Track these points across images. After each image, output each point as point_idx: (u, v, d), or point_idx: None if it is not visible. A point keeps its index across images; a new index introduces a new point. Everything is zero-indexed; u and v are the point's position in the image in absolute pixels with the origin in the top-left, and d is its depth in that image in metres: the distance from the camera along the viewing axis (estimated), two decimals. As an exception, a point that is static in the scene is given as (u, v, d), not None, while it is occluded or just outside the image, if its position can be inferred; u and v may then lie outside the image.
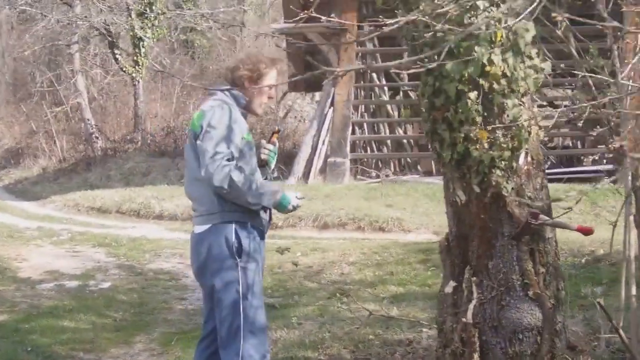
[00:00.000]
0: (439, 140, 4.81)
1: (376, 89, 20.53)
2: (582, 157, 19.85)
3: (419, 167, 20.59)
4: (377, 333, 7.00)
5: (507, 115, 4.69)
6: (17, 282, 10.52)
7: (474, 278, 4.93)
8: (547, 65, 4.80)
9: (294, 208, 5.08)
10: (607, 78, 4.57)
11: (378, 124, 20.53)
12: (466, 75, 4.61)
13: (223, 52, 31.14)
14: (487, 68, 4.59)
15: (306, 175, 19.19)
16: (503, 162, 4.71)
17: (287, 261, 10.76)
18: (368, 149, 20.58)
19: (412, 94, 22.83)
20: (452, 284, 5.05)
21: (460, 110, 4.67)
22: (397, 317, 7.23)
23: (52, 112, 30.31)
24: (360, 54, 20.21)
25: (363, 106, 20.57)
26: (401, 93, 20.68)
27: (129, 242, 13.73)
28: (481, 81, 4.61)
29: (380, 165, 20.17)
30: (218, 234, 4.90)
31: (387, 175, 19.36)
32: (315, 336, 7.11)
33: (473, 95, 4.62)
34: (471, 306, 4.88)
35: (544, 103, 14.14)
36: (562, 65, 6.49)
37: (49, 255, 12.56)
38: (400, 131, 20.52)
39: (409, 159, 20.55)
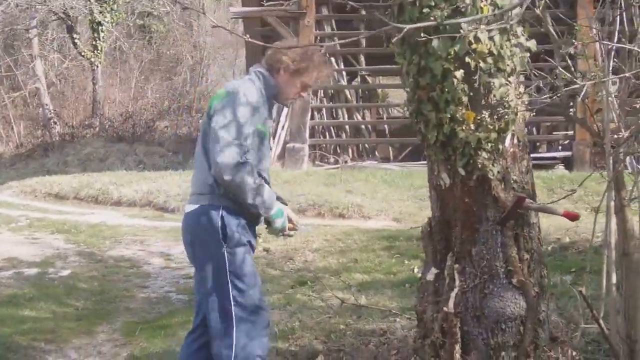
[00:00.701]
0: (424, 120, 4.53)
1: (335, 74, 20.27)
2: (537, 144, 19.80)
3: (376, 153, 20.46)
4: (348, 323, 6.72)
5: (494, 96, 4.43)
6: None
7: (457, 265, 4.67)
8: (532, 44, 4.54)
9: (282, 233, 4.95)
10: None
11: (337, 109, 20.35)
12: (452, 53, 4.33)
13: (180, 37, 30.69)
14: (474, 45, 4.32)
15: (265, 161, 18.80)
16: (489, 144, 4.45)
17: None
18: (327, 134, 20.38)
19: (369, 79, 22.65)
20: (433, 271, 4.78)
21: (446, 90, 4.39)
22: (368, 306, 6.96)
23: (9, 98, 29.64)
24: (318, 38, 19.91)
25: (322, 91, 20.31)
26: (359, 77, 20.46)
27: (88, 228, 13.38)
28: (467, 59, 4.33)
29: (339, 151, 20.01)
30: (204, 215, 4.63)
31: (345, 161, 19.18)
32: (284, 326, 6.86)
33: (459, 74, 4.35)
34: (453, 294, 4.62)
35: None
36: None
37: (7, 242, 12.18)
38: (358, 117, 20.38)
39: (367, 145, 20.41)
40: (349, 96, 20.38)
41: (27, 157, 27.06)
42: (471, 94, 4.39)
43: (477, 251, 4.60)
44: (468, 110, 4.39)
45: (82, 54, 28.11)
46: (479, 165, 4.47)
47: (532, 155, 17.15)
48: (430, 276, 4.78)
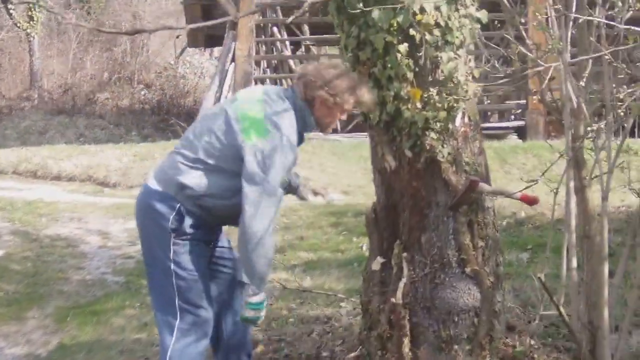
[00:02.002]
0: (366, 99, 4.16)
1: (277, 44, 19.89)
2: (488, 113, 19.57)
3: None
4: (291, 308, 6.38)
5: (442, 71, 4.08)
6: None
7: (405, 254, 4.34)
8: (483, 14, 4.20)
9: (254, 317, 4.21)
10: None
11: (281, 80, 19.97)
12: (395, 24, 3.96)
13: (119, 7, 29.98)
14: (419, 17, 3.96)
15: (208, 132, 18.46)
16: (438, 124, 4.11)
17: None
18: (271, 105, 19.97)
19: (313, 49, 22.28)
20: (379, 260, 4.45)
21: (389, 65, 4.03)
22: (312, 290, 6.62)
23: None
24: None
25: (265, 62, 19.92)
26: (303, 47, 20.10)
27: (24, 205, 12.82)
28: (412, 32, 3.97)
29: (285, 122, 19.62)
30: (161, 201, 4.10)
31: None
32: (221, 312, 6.44)
33: (403, 47, 4.00)
34: (401, 285, 4.30)
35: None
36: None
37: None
38: (302, 88, 19.98)
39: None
40: (293, 66, 20.03)
41: (-37, 131, 26.35)
42: (417, 69, 4.05)
43: (427, 239, 4.28)
44: (414, 88, 4.04)
45: (18, 24, 27.33)
46: (427, 147, 4.14)
47: (483, 125, 17.01)
48: (375, 265, 4.45)
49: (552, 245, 4.62)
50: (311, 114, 4.12)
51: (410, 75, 4.03)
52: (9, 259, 9.18)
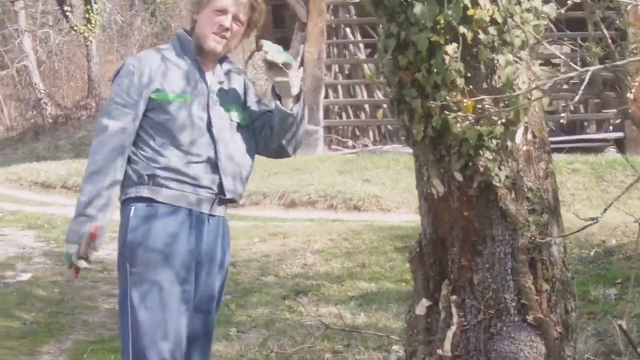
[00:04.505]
0: (408, 110, 3.80)
1: (351, 46, 19.57)
2: (585, 123, 18.94)
3: (400, 136, 19.76)
4: (335, 349, 6.12)
5: (499, 77, 3.67)
6: None
7: (454, 296, 3.93)
8: (551, 9, 3.78)
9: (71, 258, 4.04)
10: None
11: (354, 87, 19.66)
12: (442, 21, 3.57)
13: (185, 8, 30.03)
14: (471, 11, 3.56)
15: (274, 145, 18.24)
16: (494, 141, 3.70)
17: (243, 248, 9.94)
18: (343, 114, 19.70)
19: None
20: (424, 303, 4.06)
21: (435, 70, 3.64)
22: (362, 331, 6.27)
23: (-3, 76, 29.27)
24: (331, 7, 19.19)
25: (337, 66, 19.60)
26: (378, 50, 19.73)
27: (64, 223, 12.68)
28: (462, 29, 3.57)
29: (358, 134, 19.34)
30: (121, 215, 4.08)
31: (365, 145, 18.53)
32: (257, 354, 6.22)
33: (451, 48, 3.60)
34: (450, 334, 3.92)
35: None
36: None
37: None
38: (379, 95, 19.64)
39: (389, 126, 19.70)
40: (367, 71, 19.69)
41: (17, 141, 26.66)
42: (468, 75, 3.65)
43: (481, 279, 3.87)
44: (465, 97, 3.62)
45: (75, 28, 27.48)
46: (481, 169, 3.73)
47: (579, 137, 16.46)
48: (420, 309, 4.06)
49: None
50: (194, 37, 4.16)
51: (460, 81, 3.64)
52: (35, 283, 9.05)
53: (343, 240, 10.23)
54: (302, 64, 18.51)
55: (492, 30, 3.62)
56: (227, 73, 4.24)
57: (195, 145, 4.05)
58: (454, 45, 3.60)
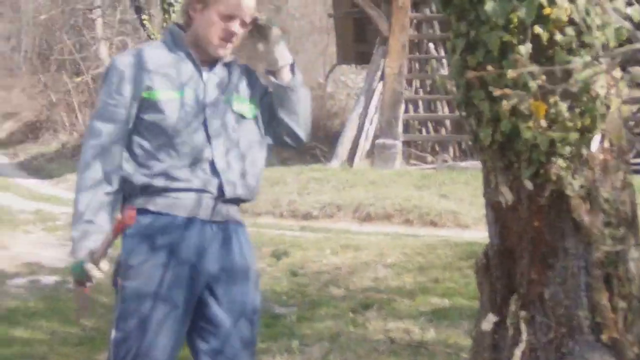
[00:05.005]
0: (475, 113, 3.61)
1: (433, 62, 19.41)
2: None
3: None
4: (402, 367, 5.88)
5: (576, 80, 3.46)
6: None
7: (523, 312, 3.71)
8: (635, 12, 3.56)
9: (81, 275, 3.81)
10: None
11: (435, 102, 19.49)
12: (515, 20, 3.39)
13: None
14: (547, 10, 3.37)
15: (351, 158, 18.28)
16: (567, 148, 3.48)
17: (314, 260, 9.82)
18: (423, 129, 19.55)
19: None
20: (491, 318, 3.85)
21: (505, 72, 3.44)
22: (429, 347, 6.09)
23: (72, 83, 29.46)
24: (414, 21, 19.06)
25: (418, 81, 19.48)
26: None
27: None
28: (537, 29, 3.38)
29: (438, 149, 19.19)
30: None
31: (444, 161, 18.34)
32: (319, 369, 6.03)
33: (525, 49, 3.40)
34: (518, 352, 3.70)
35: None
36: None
37: (36, 243, 11.67)
38: (461, 110, 19.48)
39: (470, 143, 19.45)
40: (449, 86, 19.47)
41: (91, 147, 26.92)
42: (542, 77, 3.43)
43: (552, 294, 3.65)
44: (537, 100, 3.42)
45: (152, 37, 27.66)
46: (553, 177, 3.51)
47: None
48: (486, 325, 3.86)
49: None
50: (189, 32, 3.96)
51: (533, 84, 3.43)
52: (97, 289, 8.92)
53: (417, 254, 10.06)
54: (382, 77, 18.46)
55: (569, 30, 3.41)
56: (227, 64, 4.02)
57: (192, 145, 3.83)
58: (528, 45, 3.41)
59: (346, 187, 15.30)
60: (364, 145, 18.32)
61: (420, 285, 8.80)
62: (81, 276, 3.74)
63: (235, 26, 3.87)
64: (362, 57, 22.38)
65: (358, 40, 21.86)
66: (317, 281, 9.10)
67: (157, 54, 3.90)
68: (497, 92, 2.92)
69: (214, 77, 3.95)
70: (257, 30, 3.97)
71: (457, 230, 12.97)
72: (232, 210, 3.94)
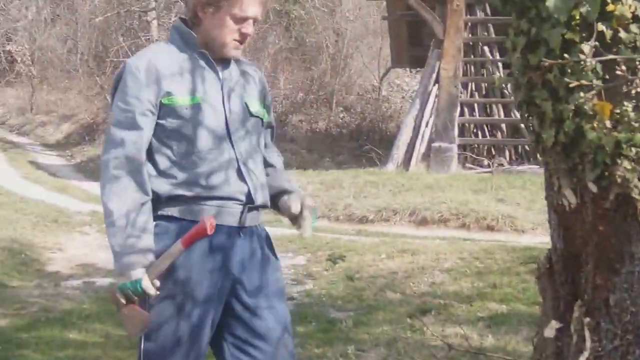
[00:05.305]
0: (537, 114, 3.49)
1: (488, 65, 19.25)
2: None
3: (538, 157, 19.31)
4: (460, 374, 5.77)
5: (641, 79, 3.35)
6: (41, 277, 9.73)
7: (587, 319, 3.59)
8: None
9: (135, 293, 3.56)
10: None
11: (491, 105, 19.32)
12: (577, 17, 3.28)
13: (320, 23, 30.04)
14: (610, 7, 3.25)
15: (407, 161, 18.17)
16: (633, 149, 3.36)
17: (370, 264, 9.74)
18: (479, 133, 19.38)
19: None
20: (554, 325, 3.73)
21: (569, 71, 3.33)
22: (488, 353, 5.96)
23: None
24: (469, 24, 18.92)
25: (473, 84, 19.31)
26: (518, 70, 19.35)
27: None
28: (601, 26, 3.27)
29: (494, 153, 19.01)
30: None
31: (500, 165, 18.16)
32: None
33: (588, 47, 3.29)
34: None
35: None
36: None
37: (91, 245, 11.77)
38: (517, 114, 19.25)
39: (527, 147, 19.33)
40: (505, 90, 19.36)
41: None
42: (607, 76, 3.32)
43: (618, 301, 3.53)
44: (602, 100, 3.31)
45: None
46: (619, 180, 3.39)
47: None
48: (549, 331, 3.74)
49: None
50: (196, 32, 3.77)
51: (597, 83, 3.32)
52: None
53: (474, 259, 9.95)
54: (437, 81, 18.36)
55: (634, 28, 3.30)
56: (237, 62, 3.87)
57: (215, 150, 3.68)
58: (592, 43, 3.30)
59: (402, 190, 15.21)
60: (420, 148, 18.24)
61: (478, 290, 8.70)
62: (135, 295, 3.53)
63: (249, 27, 3.74)
64: (416, 61, 22.28)
65: (412, 43, 21.75)
66: (373, 285, 9.01)
67: (170, 57, 3.73)
68: (574, 84, 2.81)
69: (229, 77, 3.81)
70: (293, 219, 3.90)
71: (513, 234, 12.85)
72: (258, 216, 3.82)
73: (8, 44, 34.68)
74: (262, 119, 3.86)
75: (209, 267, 3.62)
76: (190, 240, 3.49)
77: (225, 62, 3.80)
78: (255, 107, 3.84)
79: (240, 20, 3.70)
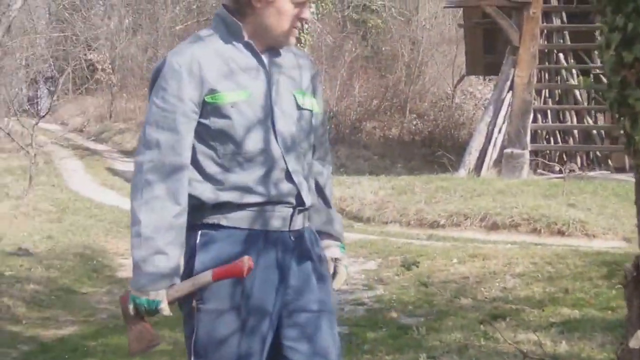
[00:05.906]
0: (630, 114, 3.27)
1: (563, 72, 18.88)
2: None
3: (610, 162, 18.94)
4: (533, 380, 5.52)
5: None
6: (112, 283, 9.60)
7: (677, 330, 3.36)
8: None
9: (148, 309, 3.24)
10: None
11: (564, 112, 18.99)
12: (677, 12, 3.05)
13: (396, 31, 29.82)
14: None
15: (479, 167, 17.94)
16: None
17: (441, 269, 9.50)
18: (551, 139, 19.07)
19: (604, 78, 21.13)
20: (640, 335, 3.50)
21: (665, 69, 3.10)
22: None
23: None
24: (545, 32, 18.58)
25: (547, 91, 19.03)
26: (592, 76, 18.95)
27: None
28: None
29: (565, 159, 18.72)
30: (186, 243, 3.29)
31: (572, 171, 17.78)
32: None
33: (687, 44, 3.05)
34: (670, 373, 3.34)
35: None
36: None
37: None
38: (589, 120, 18.98)
39: (598, 153, 19.01)
40: (578, 97, 18.96)
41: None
42: None
43: None
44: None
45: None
46: None
47: None
48: (635, 342, 3.52)
49: None
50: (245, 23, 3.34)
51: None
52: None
53: (546, 264, 9.64)
54: (511, 87, 18.10)
55: None
56: (286, 51, 3.46)
57: (262, 150, 3.30)
58: (691, 40, 3.07)
59: (473, 196, 14.96)
60: (492, 154, 17.97)
61: (550, 295, 8.38)
62: (148, 314, 3.22)
63: (307, 12, 3.37)
64: (490, 69, 21.97)
65: (487, 52, 21.47)
66: (444, 291, 8.75)
67: (214, 50, 3.33)
68: None
69: (277, 69, 3.41)
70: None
71: (584, 239, 12.55)
72: (306, 217, 3.47)
73: (90, 52, 34.82)
74: (311, 111, 3.47)
75: (272, 280, 3.30)
76: (222, 276, 3.16)
77: (273, 52, 3.41)
78: (305, 99, 3.46)
79: (300, 4, 3.33)
